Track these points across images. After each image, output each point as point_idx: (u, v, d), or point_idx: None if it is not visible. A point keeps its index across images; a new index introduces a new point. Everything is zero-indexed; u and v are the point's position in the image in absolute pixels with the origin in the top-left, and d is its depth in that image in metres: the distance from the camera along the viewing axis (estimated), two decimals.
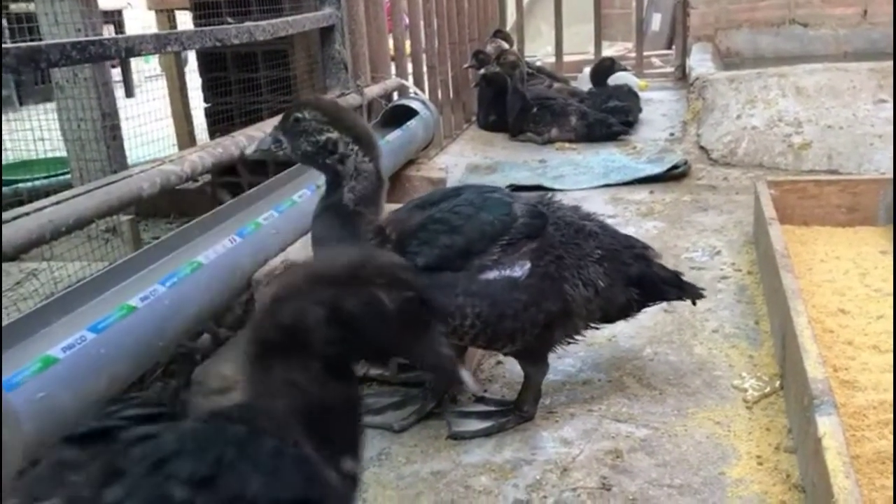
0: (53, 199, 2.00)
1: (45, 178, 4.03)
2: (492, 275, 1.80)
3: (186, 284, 1.90)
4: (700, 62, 5.56)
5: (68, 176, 3.83)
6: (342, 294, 1.04)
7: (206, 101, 4.24)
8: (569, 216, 1.94)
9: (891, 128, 4.01)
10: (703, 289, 2.11)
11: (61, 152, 3.47)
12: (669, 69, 7.47)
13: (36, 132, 3.81)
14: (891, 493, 1.50)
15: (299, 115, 1.80)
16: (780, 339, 2.07)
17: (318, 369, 1.04)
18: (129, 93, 7.78)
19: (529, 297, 1.79)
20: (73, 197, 2.00)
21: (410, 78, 5.03)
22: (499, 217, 1.82)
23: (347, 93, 3.78)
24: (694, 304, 2.15)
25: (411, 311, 1.07)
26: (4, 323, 1.63)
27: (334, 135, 1.78)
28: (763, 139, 4.20)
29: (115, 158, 2.62)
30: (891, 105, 4.13)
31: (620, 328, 2.44)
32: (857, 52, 6.41)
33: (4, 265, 2.50)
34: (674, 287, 2.03)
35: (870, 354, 2.01)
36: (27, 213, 1.84)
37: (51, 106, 3.33)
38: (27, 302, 2.29)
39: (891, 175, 2.98)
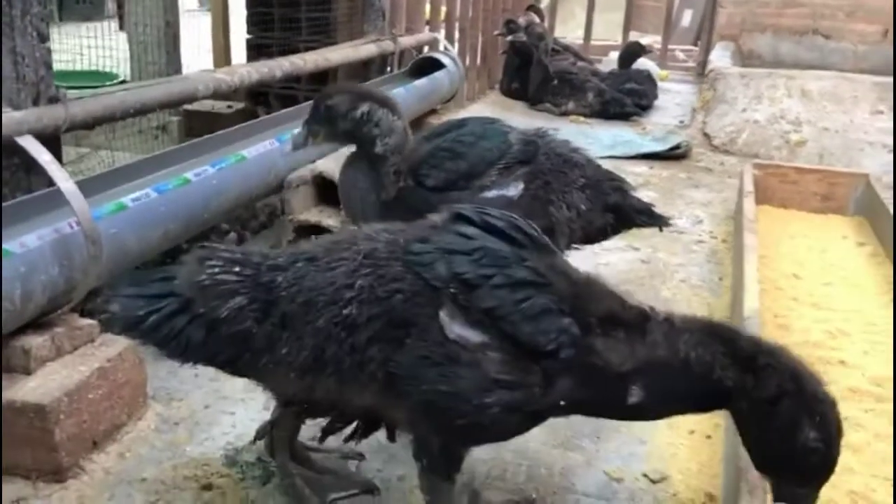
0: (123, 86, 2.31)
1: (93, 87, 4.34)
2: (490, 194, 2.11)
3: (231, 171, 2.22)
4: (719, 59, 5.82)
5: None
6: (793, 396, 1.23)
7: (248, 32, 4.51)
8: (559, 148, 2.24)
9: (883, 137, 4.29)
10: (669, 217, 2.41)
11: (99, 67, 3.72)
12: (692, 64, 7.70)
13: (75, 48, 4.06)
14: None
15: (330, 102, 2.03)
16: (733, 288, 2.38)
17: (718, 379, 1.27)
18: None
19: (521, 214, 2.09)
20: (140, 87, 2.31)
21: (442, 35, 5.29)
22: (496, 144, 2.13)
23: (382, 39, 4.07)
24: (661, 230, 2.43)
25: (816, 459, 1.23)
26: (82, 178, 1.94)
27: (366, 106, 2.03)
28: (763, 133, 4.49)
29: (172, 63, 2.91)
30: (886, 116, 4.40)
31: (600, 271, 2.75)
32: (873, 68, 6.60)
33: (63, 145, 2.80)
34: (644, 214, 2.33)
35: (808, 309, 2.31)
36: (104, 94, 2.16)
37: (91, 25, 3.59)
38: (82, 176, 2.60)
39: (865, 171, 3.27)
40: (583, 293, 1.33)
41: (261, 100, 4.24)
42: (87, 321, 1.74)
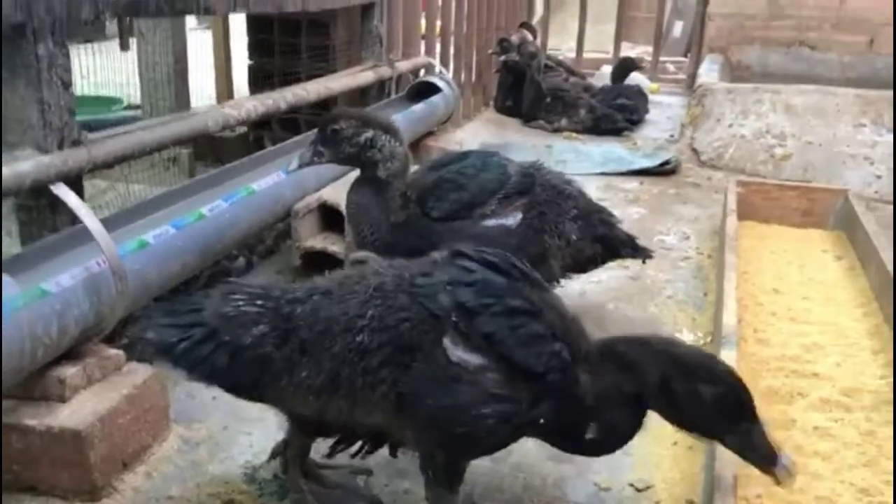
0: (139, 125, 2.46)
1: (99, 113, 4.48)
2: (490, 222, 2.27)
3: (242, 204, 2.37)
4: (708, 72, 5.97)
5: (121, 113, 4.28)
6: (675, 374, 1.39)
7: (250, 59, 4.66)
8: (553, 179, 2.40)
9: (865, 150, 4.45)
10: (652, 250, 2.58)
11: (103, 90, 3.83)
12: (682, 76, 7.86)
13: (78, 70, 4.18)
14: (772, 426, 1.95)
15: (336, 126, 2.15)
16: (716, 304, 2.52)
17: (628, 395, 1.43)
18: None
19: (517, 242, 2.25)
20: (155, 126, 2.46)
21: (437, 58, 5.45)
22: (496, 176, 2.30)
23: (380, 65, 4.22)
24: (644, 262, 2.61)
25: (728, 404, 1.38)
26: (104, 215, 2.09)
27: (370, 132, 2.18)
28: (749, 147, 4.64)
29: (181, 98, 3.06)
30: (868, 129, 4.56)
31: (591, 287, 2.91)
32: (860, 78, 6.77)
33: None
34: (628, 247, 2.49)
35: (786, 323, 2.46)
36: (122, 134, 2.30)
37: (94, 46, 3.72)
38: (102, 211, 2.75)
39: (846, 186, 3.42)
40: (571, 327, 1.49)
41: (264, 125, 4.40)
42: (114, 351, 1.89)
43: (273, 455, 1.79)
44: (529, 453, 1.90)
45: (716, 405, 1.39)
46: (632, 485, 1.81)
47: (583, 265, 2.45)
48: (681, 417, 1.46)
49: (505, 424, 1.42)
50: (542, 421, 1.44)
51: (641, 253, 2.52)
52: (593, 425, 1.45)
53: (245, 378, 1.49)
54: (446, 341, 1.41)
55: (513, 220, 2.27)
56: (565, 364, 1.43)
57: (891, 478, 1.72)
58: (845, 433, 1.89)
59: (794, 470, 1.40)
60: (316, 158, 2.20)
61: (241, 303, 1.51)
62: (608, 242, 2.44)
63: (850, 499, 1.66)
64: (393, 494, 1.75)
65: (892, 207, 3.78)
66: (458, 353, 1.41)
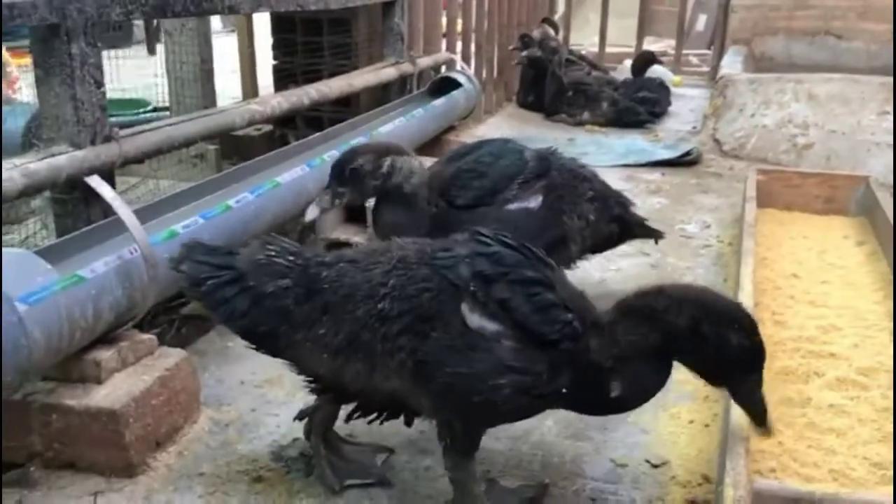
0: (167, 121, 2.55)
1: (129, 115, 4.59)
2: (513, 206, 2.34)
3: (267, 196, 2.44)
4: (731, 63, 5.96)
5: (148, 115, 4.37)
6: (706, 318, 1.45)
7: (274, 58, 4.75)
8: (568, 164, 2.47)
9: (888, 137, 4.42)
10: (662, 231, 2.66)
11: (128, 94, 3.94)
12: (706, 69, 7.84)
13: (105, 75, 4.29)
14: (788, 404, 1.97)
15: (354, 165, 2.16)
16: (734, 289, 2.55)
17: (655, 344, 1.48)
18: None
19: (540, 224, 2.30)
20: (182, 122, 2.55)
21: (459, 55, 5.51)
22: (514, 161, 2.37)
23: (402, 62, 4.29)
24: (656, 242, 2.68)
25: (750, 350, 1.46)
26: (136, 208, 2.17)
27: (389, 160, 2.21)
28: (771, 137, 4.64)
29: (208, 97, 3.15)
30: (891, 117, 4.53)
31: (610, 275, 2.94)
32: (886, 66, 6.68)
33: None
34: (641, 227, 2.57)
35: (804, 306, 2.48)
36: (151, 130, 2.39)
37: (118, 52, 3.82)
38: (133, 205, 2.84)
39: (869, 173, 3.42)
40: (580, 300, 1.55)
41: (288, 123, 4.48)
42: (147, 336, 1.97)
43: (300, 416, 1.84)
44: (549, 432, 1.95)
45: (740, 351, 1.46)
46: (648, 461, 1.85)
47: (600, 245, 2.52)
48: (703, 362, 1.51)
49: (522, 395, 1.47)
50: (564, 391, 1.49)
51: (654, 233, 2.60)
52: (616, 383, 1.49)
53: (262, 326, 1.58)
54: (464, 307, 1.48)
55: (535, 202, 2.34)
56: (577, 333, 1.48)
57: None
58: (861, 410, 1.91)
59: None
60: (337, 200, 2.19)
61: (273, 254, 1.61)
62: (624, 222, 2.52)
63: (864, 472, 1.69)
64: (414, 471, 1.81)
65: None
66: (475, 318, 1.47)
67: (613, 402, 1.53)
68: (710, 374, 1.53)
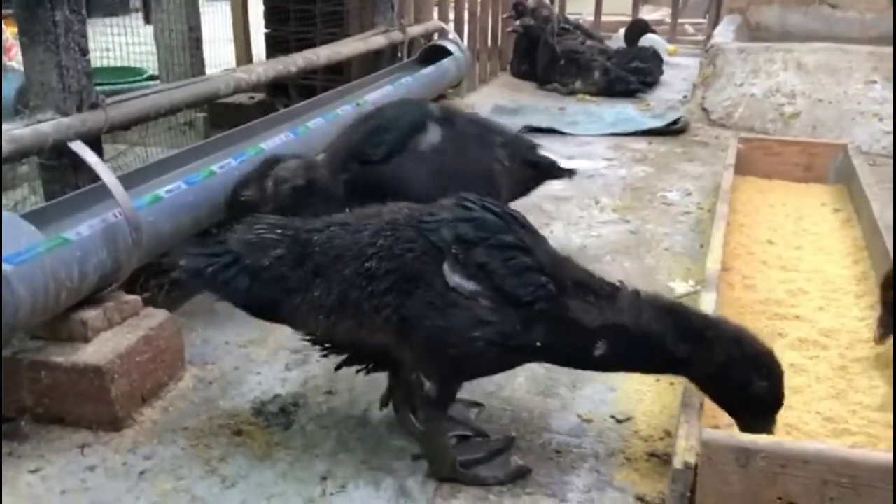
0: (155, 88, 2.59)
1: (124, 83, 4.62)
2: (421, 147, 2.42)
3: (251, 162, 2.49)
4: (724, 32, 5.96)
5: (144, 83, 4.40)
6: (739, 361, 1.59)
7: (266, 27, 4.76)
8: (474, 117, 2.67)
9: (875, 107, 4.46)
10: (573, 169, 2.82)
11: (122, 62, 3.97)
12: (701, 38, 7.83)
13: (102, 44, 4.32)
14: None
15: (244, 198, 2.28)
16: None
17: (668, 353, 1.61)
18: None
19: (453, 161, 2.41)
20: (169, 90, 2.59)
21: (452, 24, 5.52)
22: (416, 110, 2.49)
23: (392, 30, 4.31)
24: (570, 179, 2.88)
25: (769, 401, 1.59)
26: (122, 174, 2.23)
27: (270, 179, 2.29)
28: (758, 106, 4.67)
29: (196, 65, 3.19)
30: (880, 86, 4.56)
31: (591, 241, 3.01)
32: (882, 36, 6.67)
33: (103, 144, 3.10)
34: (554, 168, 2.73)
35: (776, 271, 2.54)
36: (138, 97, 2.44)
37: (114, 20, 3.83)
38: (120, 171, 2.89)
39: (843, 141, 3.46)
40: (559, 264, 1.64)
41: (281, 91, 4.51)
42: (132, 297, 2.04)
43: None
44: (520, 388, 2.03)
45: (759, 398, 1.59)
46: (613, 417, 1.93)
47: (520, 189, 2.63)
48: (719, 394, 1.63)
49: (495, 347, 1.55)
50: (538, 344, 1.57)
51: (566, 172, 2.76)
52: (602, 343, 1.58)
53: (264, 298, 1.65)
54: (445, 267, 1.56)
55: (435, 134, 2.43)
56: (550, 295, 1.56)
57: (857, 408, 1.82)
58: (819, 369, 1.98)
59: None
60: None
61: (262, 231, 1.68)
62: (538, 166, 2.65)
63: (816, 426, 1.77)
64: (389, 425, 1.89)
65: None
66: (455, 278, 1.56)
67: (596, 360, 1.61)
68: (722, 405, 1.64)
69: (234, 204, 2.30)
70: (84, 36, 2.19)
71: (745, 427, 1.61)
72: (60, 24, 2.10)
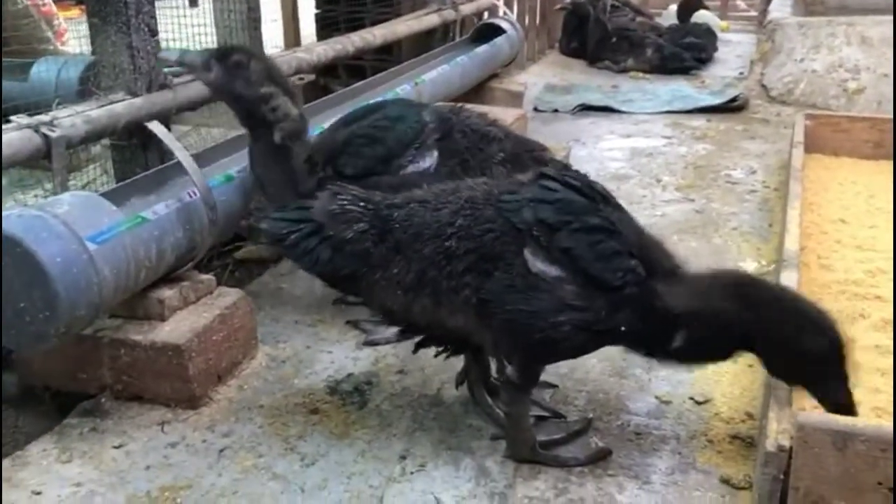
0: None
1: None
2: (408, 170, 2.14)
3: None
4: (780, 7, 5.81)
5: None
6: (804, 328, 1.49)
7: (316, 6, 4.75)
8: (475, 124, 2.25)
9: None
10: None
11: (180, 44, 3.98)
12: (754, 13, 7.65)
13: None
14: None
15: (241, 60, 1.97)
16: (780, 233, 2.55)
17: (737, 334, 1.54)
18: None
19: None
20: None
21: (501, 1, 5.45)
22: (411, 125, 2.17)
23: (444, 8, 4.27)
24: None
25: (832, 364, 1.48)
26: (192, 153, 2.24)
27: (271, 89, 2.01)
28: (820, 82, 4.54)
29: (255, 46, 3.18)
30: None
31: (656, 220, 2.96)
32: None
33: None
34: None
35: (850, 250, 2.47)
36: None
37: (162, 4, 3.81)
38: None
39: None
40: (647, 244, 1.59)
41: (331, 72, 4.50)
42: (206, 276, 2.05)
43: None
44: (593, 369, 2.00)
45: (824, 359, 1.48)
46: (692, 398, 1.89)
47: None
48: (784, 365, 1.54)
49: (581, 332, 1.52)
50: (623, 329, 1.53)
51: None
52: (680, 334, 1.53)
53: (345, 269, 1.65)
54: (527, 253, 1.53)
55: (429, 160, 2.16)
56: (640, 279, 1.52)
57: None
58: None
59: None
60: (202, 68, 2.01)
61: (345, 202, 1.67)
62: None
63: None
64: (465, 405, 1.88)
65: None
66: (537, 264, 1.53)
67: (671, 352, 1.57)
68: (789, 378, 1.56)
69: (226, 57, 2.00)
70: (153, 17, 2.20)
71: (822, 398, 1.53)
72: (131, 5, 2.11)
